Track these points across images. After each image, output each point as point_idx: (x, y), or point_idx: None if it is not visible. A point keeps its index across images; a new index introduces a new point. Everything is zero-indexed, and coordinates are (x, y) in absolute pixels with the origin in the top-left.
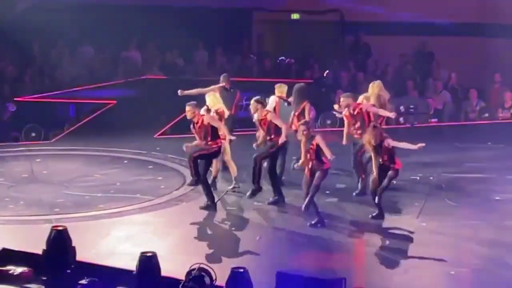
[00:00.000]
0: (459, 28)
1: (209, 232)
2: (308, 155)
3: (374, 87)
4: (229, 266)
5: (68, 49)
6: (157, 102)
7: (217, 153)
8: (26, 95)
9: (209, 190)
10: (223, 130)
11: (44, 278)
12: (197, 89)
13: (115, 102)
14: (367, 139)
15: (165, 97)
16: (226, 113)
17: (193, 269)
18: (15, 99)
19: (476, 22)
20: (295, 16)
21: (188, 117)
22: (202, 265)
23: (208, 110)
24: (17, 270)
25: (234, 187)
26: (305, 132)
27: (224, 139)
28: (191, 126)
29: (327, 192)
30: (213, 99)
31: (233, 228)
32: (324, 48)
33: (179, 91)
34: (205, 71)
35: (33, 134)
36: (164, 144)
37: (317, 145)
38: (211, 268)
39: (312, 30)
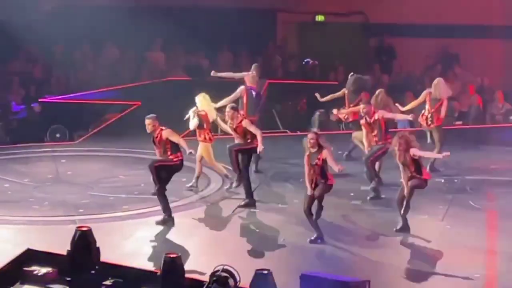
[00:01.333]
0: (484, 30)
1: (233, 233)
2: (312, 171)
3: (437, 84)
4: (253, 268)
5: (92, 50)
6: (182, 103)
7: (178, 166)
8: (51, 96)
9: (166, 204)
10: (182, 144)
11: (68, 278)
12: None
13: (139, 103)
14: (394, 149)
15: (190, 98)
16: (211, 117)
17: (217, 271)
18: (40, 100)
19: (502, 25)
20: (320, 18)
21: (148, 131)
22: (226, 267)
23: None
24: (42, 270)
25: (192, 186)
26: (312, 141)
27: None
28: (152, 140)
29: (352, 194)
30: (202, 100)
31: (257, 230)
32: (349, 50)
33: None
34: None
35: (58, 135)
36: (188, 145)
37: (324, 160)
38: (235, 269)
39: (337, 32)
